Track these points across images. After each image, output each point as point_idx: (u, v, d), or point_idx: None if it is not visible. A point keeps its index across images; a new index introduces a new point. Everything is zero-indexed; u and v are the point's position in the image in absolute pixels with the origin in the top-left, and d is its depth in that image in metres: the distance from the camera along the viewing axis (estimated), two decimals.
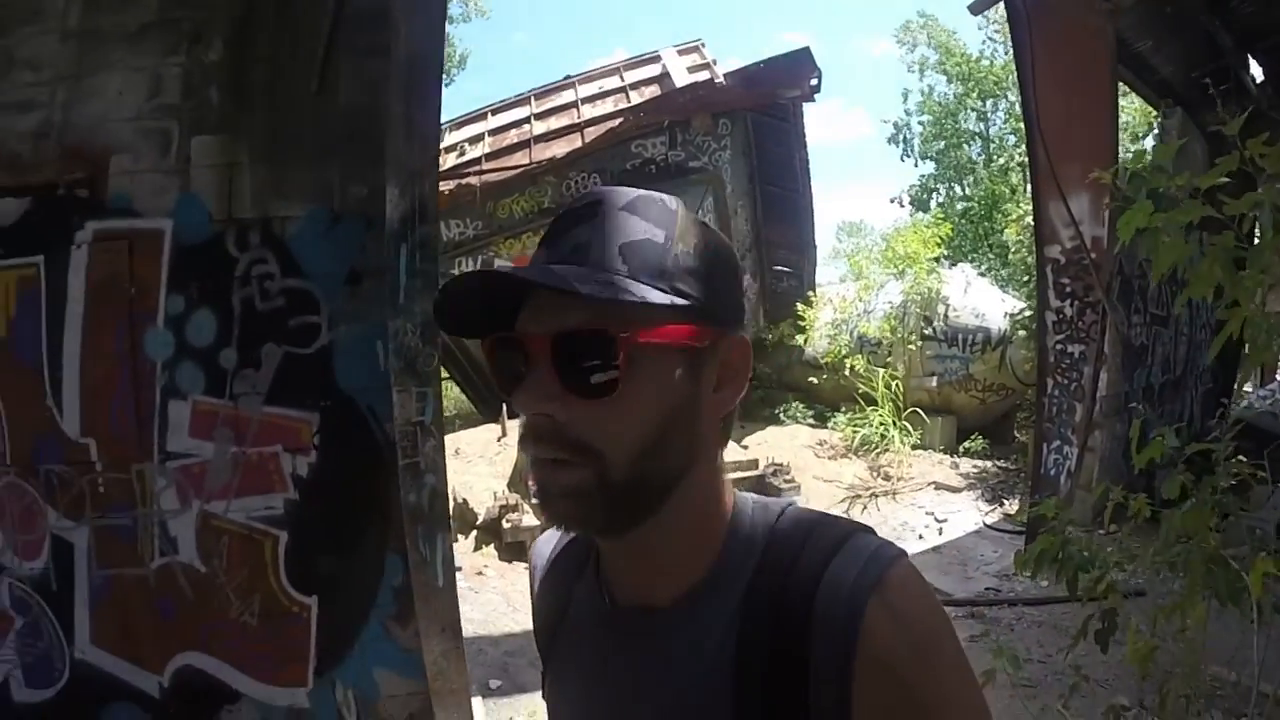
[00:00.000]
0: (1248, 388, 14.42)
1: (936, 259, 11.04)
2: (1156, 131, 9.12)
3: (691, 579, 0.69)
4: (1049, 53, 5.51)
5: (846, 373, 9.66)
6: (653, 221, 0.66)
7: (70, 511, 2.66)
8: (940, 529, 6.54)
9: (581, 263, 0.63)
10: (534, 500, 0.69)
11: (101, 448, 2.56)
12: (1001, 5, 5.86)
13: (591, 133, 9.61)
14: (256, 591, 2.55)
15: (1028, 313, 8.98)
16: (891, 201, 23.16)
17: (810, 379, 10.86)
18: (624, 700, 0.70)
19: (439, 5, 3.02)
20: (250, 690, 2.66)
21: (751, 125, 10.39)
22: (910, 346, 9.69)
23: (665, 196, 0.70)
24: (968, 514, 7.02)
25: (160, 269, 2.51)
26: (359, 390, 2.53)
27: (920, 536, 6.38)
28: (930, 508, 7.17)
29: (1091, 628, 2.23)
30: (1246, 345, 2.03)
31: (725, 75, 9.88)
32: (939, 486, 7.85)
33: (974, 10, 6.33)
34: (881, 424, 8.84)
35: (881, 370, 9.39)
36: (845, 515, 5.48)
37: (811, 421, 10.34)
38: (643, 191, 0.69)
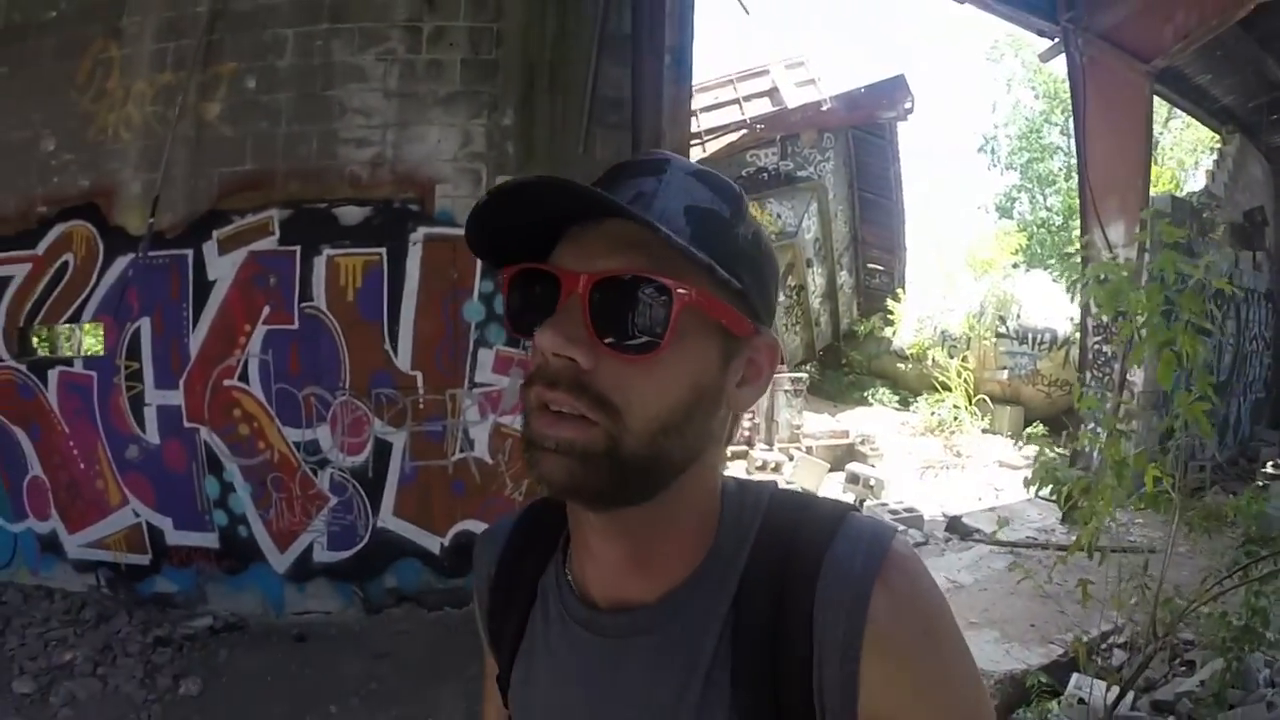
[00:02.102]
0: None
1: (1014, 265, 12.17)
2: (1216, 157, 9.72)
3: (680, 574, 0.66)
4: (1097, 101, 6.38)
5: (928, 363, 10.93)
6: (720, 195, 0.63)
7: (393, 421, 3.94)
8: (997, 495, 7.45)
9: (646, 209, 0.59)
10: (526, 454, 0.62)
11: (426, 378, 3.85)
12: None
13: (712, 144, 10.64)
14: (525, 477, 3.80)
15: None
16: (978, 209, 24.05)
17: (897, 366, 12.22)
18: (609, 705, 0.67)
19: (665, 98, 4.07)
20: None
21: (852, 140, 11.73)
22: (985, 342, 10.80)
23: (729, 179, 0.66)
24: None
25: (475, 264, 3.77)
26: None
27: (980, 499, 7.33)
28: (992, 480, 8.13)
29: (1085, 540, 3.28)
30: None
31: (831, 98, 10.87)
32: (1002, 464, 8.86)
33: (1044, 58, 7.23)
34: (956, 408, 9.95)
35: (956, 362, 10.53)
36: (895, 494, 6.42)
37: (896, 405, 11.54)
38: (713, 171, 0.66)
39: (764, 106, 10.86)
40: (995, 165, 23.41)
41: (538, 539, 0.78)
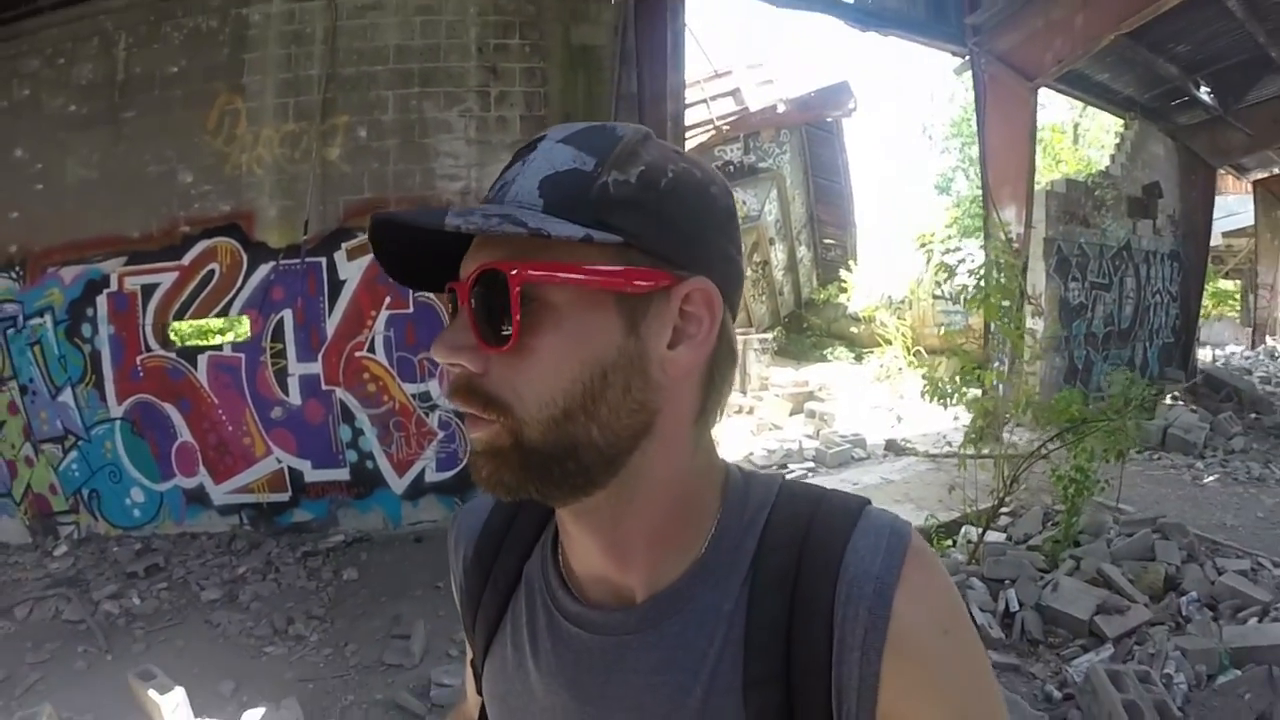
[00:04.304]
0: (1233, 346, 17.26)
1: (948, 236, 14.16)
2: (1118, 140, 11.33)
3: (680, 565, 0.64)
4: (994, 109, 7.82)
5: (877, 324, 12.61)
6: (586, 150, 0.58)
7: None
8: (928, 424, 8.83)
9: (500, 200, 0.58)
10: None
11: None
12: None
13: (686, 142, 12.10)
14: None
15: None
16: (918, 188, 26.08)
17: (851, 329, 14.14)
18: (600, 707, 0.65)
19: (674, 142, 5.56)
20: None
21: (806, 135, 13.69)
22: (923, 304, 12.66)
23: (629, 125, 0.61)
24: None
25: None
26: None
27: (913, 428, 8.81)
28: (925, 414, 9.76)
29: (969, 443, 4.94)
30: None
31: (785, 101, 12.33)
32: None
33: (957, 73, 8.54)
34: (895, 359, 11.60)
35: (894, 321, 12.26)
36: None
37: (851, 361, 13.49)
38: (602, 124, 0.61)
39: (728, 105, 12.22)
40: (933, 148, 25.34)
41: (522, 522, 0.76)
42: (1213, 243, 13.42)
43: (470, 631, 0.78)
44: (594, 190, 0.57)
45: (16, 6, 6.05)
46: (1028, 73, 7.55)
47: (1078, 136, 18.29)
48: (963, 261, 10.40)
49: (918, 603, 0.58)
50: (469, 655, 0.83)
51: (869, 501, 0.66)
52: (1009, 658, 3.51)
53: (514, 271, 0.55)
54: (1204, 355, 14.09)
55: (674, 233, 0.59)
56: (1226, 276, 20.17)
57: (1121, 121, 11.53)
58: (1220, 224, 14.58)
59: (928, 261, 13.11)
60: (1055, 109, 16.06)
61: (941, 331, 12.49)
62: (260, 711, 3.45)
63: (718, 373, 0.64)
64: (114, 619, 4.70)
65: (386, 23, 5.65)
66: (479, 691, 0.78)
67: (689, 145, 11.97)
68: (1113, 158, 10.94)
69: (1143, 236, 10.94)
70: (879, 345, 12.41)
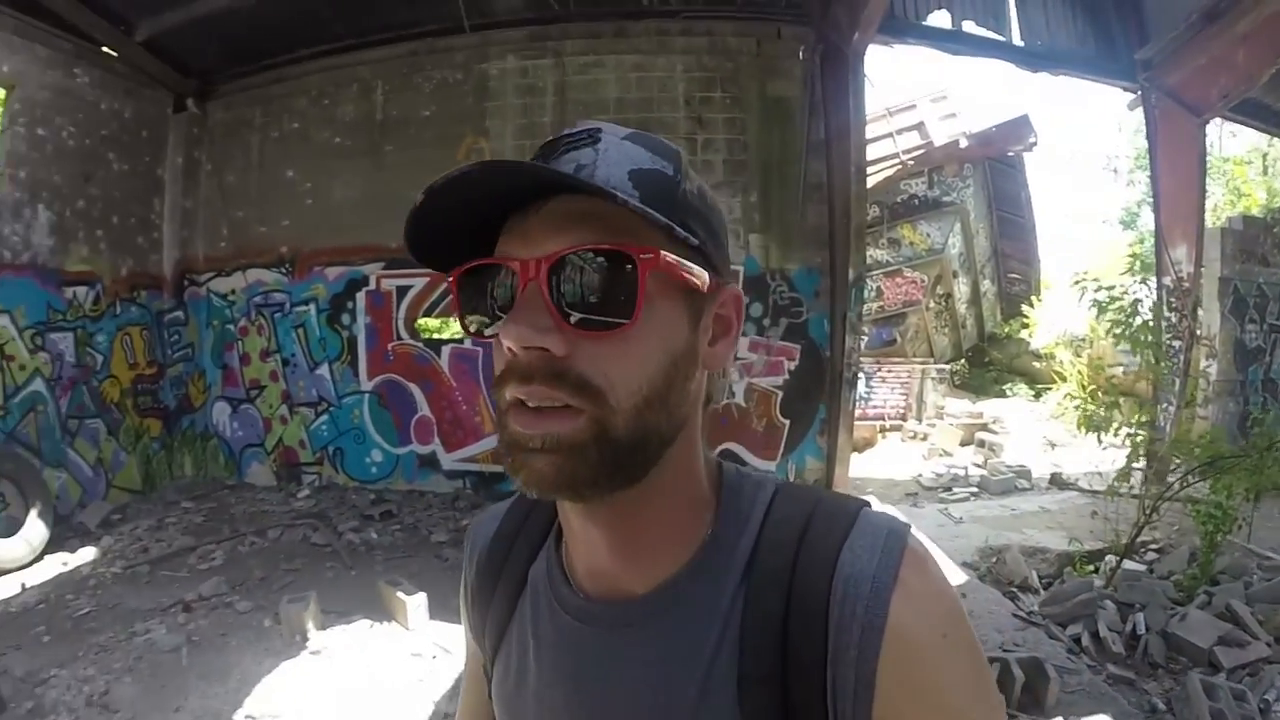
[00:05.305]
0: None
1: (1130, 272, 13.77)
2: None
3: (678, 561, 0.64)
4: (1164, 146, 7.59)
5: (1056, 361, 12.53)
6: (659, 154, 0.61)
7: None
8: (1097, 464, 8.68)
9: (590, 178, 0.56)
10: (507, 459, 0.58)
11: None
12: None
13: (873, 178, 12.16)
14: (766, 416, 6.20)
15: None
16: (1103, 222, 25.09)
17: (1033, 365, 14.11)
18: (599, 699, 0.65)
19: (851, 180, 6.23)
20: (752, 461, 6.29)
21: (988, 168, 13.79)
22: (1102, 342, 12.43)
23: (661, 138, 0.64)
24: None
25: (739, 274, 6.14)
26: (818, 336, 6.13)
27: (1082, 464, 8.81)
28: (1102, 454, 9.75)
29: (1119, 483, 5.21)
30: None
31: (967, 135, 12.63)
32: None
33: (1130, 108, 8.29)
34: (1074, 398, 11.58)
35: (1069, 358, 12.14)
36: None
37: (1030, 397, 13.48)
38: (647, 132, 0.63)
39: (913, 139, 12.55)
40: (1118, 181, 24.07)
41: (531, 527, 0.76)
42: None
43: (480, 636, 0.79)
44: (678, 194, 0.59)
45: (282, 54, 7.47)
46: (1196, 108, 7.31)
47: (1266, 166, 17.14)
48: (1114, 300, 10.26)
49: (915, 605, 0.58)
50: (473, 662, 0.85)
51: (867, 503, 0.65)
52: (1126, 672, 3.76)
53: (646, 256, 0.55)
54: None
55: (717, 243, 0.63)
56: None
57: None
58: None
59: (1079, 299, 12.93)
60: (1246, 135, 15.14)
61: (1122, 371, 12.25)
62: None
63: (726, 374, 0.68)
64: (355, 546, 5.80)
65: (607, 78, 6.68)
66: (489, 695, 0.78)
67: (873, 180, 12.33)
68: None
69: None
70: (1055, 382, 12.26)
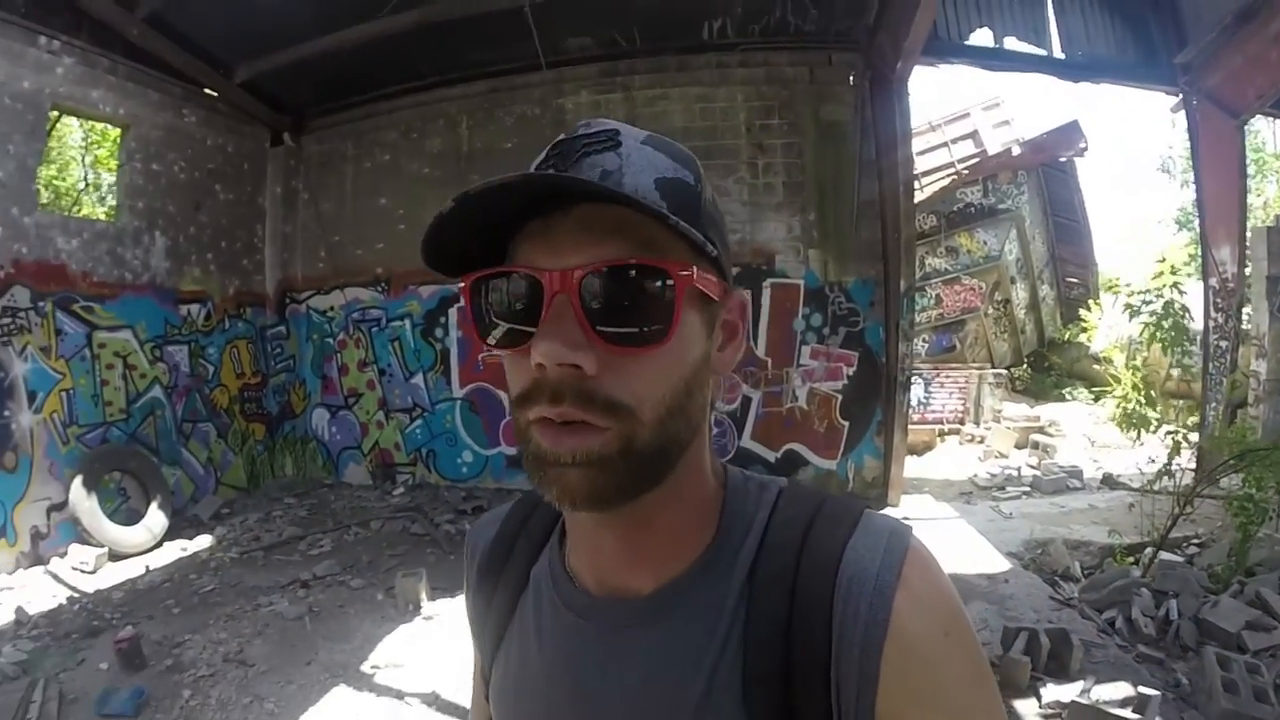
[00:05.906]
0: None
1: (1186, 274, 13.54)
2: None
3: (684, 561, 0.65)
4: (1206, 148, 7.63)
5: (1113, 365, 12.57)
6: (679, 161, 0.61)
7: (753, 384, 6.92)
8: (1152, 463, 8.57)
9: (618, 186, 0.56)
10: (536, 474, 0.58)
11: (772, 361, 6.81)
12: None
13: (929, 187, 12.71)
14: (827, 418, 6.71)
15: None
16: (1159, 223, 24.58)
17: (1093, 369, 14.02)
18: (602, 697, 0.66)
19: (901, 197, 6.69)
20: (814, 460, 6.80)
21: (1042, 174, 13.87)
22: (1158, 345, 12.40)
23: (673, 141, 0.63)
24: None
25: (799, 298, 6.70)
26: (874, 344, 6.63)
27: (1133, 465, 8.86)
28: (1154, 453, 9.52)
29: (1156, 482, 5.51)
30: None
31: (1019, 142, 12.79)
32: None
33: (1173, 111, 8.19)
34: (1125, 400, 11.24)
35: (1132, 362, 11.99)
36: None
37: (1089, 401, 13.42)
38: (660, 134, 0.63)
39: (967, 148, 12.72)
40: (1172, 182, 23.57)
41: (533, 527, 0.77)
42: None
43: (480, 638, 0.79)
44: (701, 204, 0.61)
45: (370, 92, 8.11)
46: (1233, 109, 7.34)
47: None
48: (1147, 303, 10.28)
49: (917, 603, 0.58)
50: (476, 666, 0.84)
51: (869, 505, 0.68)
52: (1156, 653, 3.95)
53: (684, 273, 0.56)
54: None
55: (726, 251, 0.64)
56: None
57: None
58: None
59: (1113, 304, 12.91)
60: None
61: (1178, 374, 12.22)
62: None
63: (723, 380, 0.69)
64: (451, 535, 6.29)
65: (673, 109, 7.20)
66: (485, 697, 0.78)
67: (929, 190, 12.63)
68: None
69: None
70: (1111, 386, 12.19)
